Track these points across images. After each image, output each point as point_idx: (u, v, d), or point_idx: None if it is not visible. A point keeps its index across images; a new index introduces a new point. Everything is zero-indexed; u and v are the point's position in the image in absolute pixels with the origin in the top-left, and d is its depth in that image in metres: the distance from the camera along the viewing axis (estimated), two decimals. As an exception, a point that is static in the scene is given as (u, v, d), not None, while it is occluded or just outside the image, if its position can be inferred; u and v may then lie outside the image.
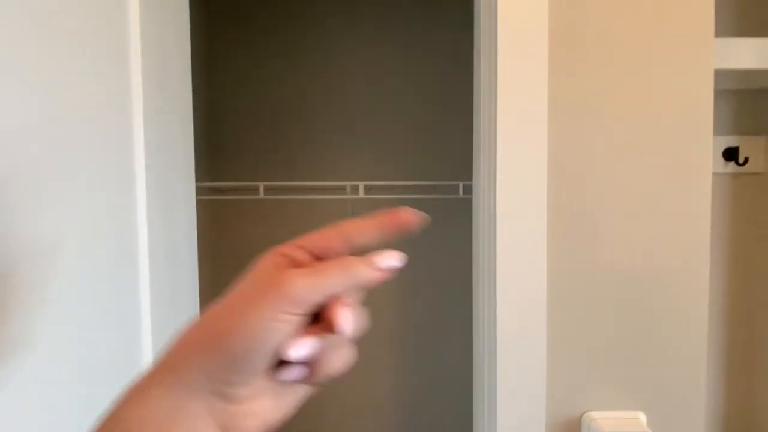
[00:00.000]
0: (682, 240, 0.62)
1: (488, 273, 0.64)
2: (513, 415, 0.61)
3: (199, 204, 0.85)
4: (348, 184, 1.15)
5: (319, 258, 0.21)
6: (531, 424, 0.62)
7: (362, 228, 0.21)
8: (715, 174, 0.93)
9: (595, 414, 0.62)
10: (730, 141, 1.04)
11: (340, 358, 0.20)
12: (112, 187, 0.50)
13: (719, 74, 0.71)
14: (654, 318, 0.62)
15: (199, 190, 1.25)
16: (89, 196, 0.46)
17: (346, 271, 0.19)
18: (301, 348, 0.18)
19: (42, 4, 0.40)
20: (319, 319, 0.19)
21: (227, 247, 1.40)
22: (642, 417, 0.62)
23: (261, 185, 1.17)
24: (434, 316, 1.39)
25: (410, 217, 0.20)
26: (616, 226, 0.62)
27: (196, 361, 0.18)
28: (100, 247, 0.48)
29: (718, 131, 0.93)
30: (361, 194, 1.14)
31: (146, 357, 0.55)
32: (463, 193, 1.12)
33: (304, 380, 0.20)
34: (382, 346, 1.40)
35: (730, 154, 1.04)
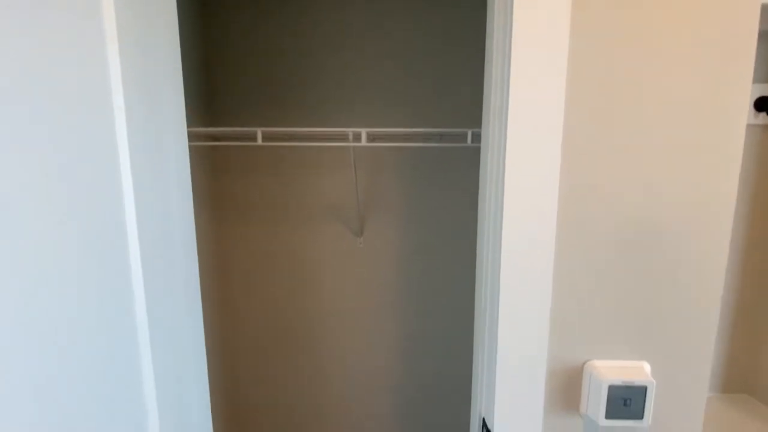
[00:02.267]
0: (709, 189, 0.58)
1: (494, 220, 0.61)
2: (513, 362, 0.61)
3: (193, 151, 0.80)
4: (350, 131, 1.09)
5: None
6: (531, 371, 0.62)
7: None
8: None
9: (597, 363, 0.62)
10: (763, 89, 0.96)
11: None
12: (88, 125, 0.46)
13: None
14: (669, 268, 0.59)
15: (193, 137, 1.20)
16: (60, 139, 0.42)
17: None
18: None
19: None
20: None
21: (224, 196, 1.37)
22: (647, 366, 0.62)
23: (259, 131, 1.11)
24: (439, 265, 1.39)
25: None
26: (638, 170, 0.58)
27: None
28: (68, 201, 0.44)
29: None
30: (364, 142, 1.09)
31: (139, 307, 0.53)
32: (472, 141, 1.06)
33: None
34: (387, 294, 1.41)
35: (762, 104, 0.97)
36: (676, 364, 0.62)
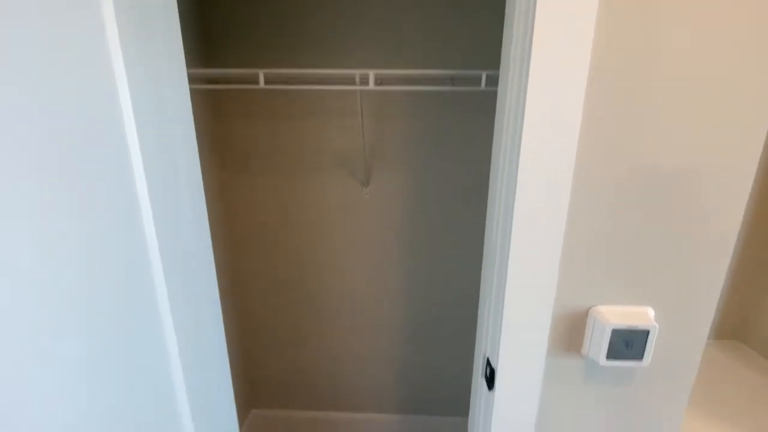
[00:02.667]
0: (739, 134, 0.55)
1: (510, 164, 0.59)
2: (520, 306, 0.62)
3: (192, 93, 0.76)
4: (357, 72, 1.03)
5: None
6: (537, 315, 0.63)
7: None
8: None
9: (602, 308, 0.63)
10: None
11: None
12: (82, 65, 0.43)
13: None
14: (685, 216, 0.58)
15: (189, 79, 1.14)
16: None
17: None
18: None
19: None
20: None
21: (224, 143, 1.34)
22: (650, 312, 0.63)
23: (260, 73, 1.06)
24: (447, 215, 1.39)
25: None
26: (668, 113, 0.54)
27: None
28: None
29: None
30: (371, 85, 1.03)
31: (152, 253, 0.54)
32: (486, 85, 1.01)
33: None
34: (393, 244, 1.43)
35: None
36: (680, 310, 0.63)
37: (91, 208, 0.44)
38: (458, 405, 1.63)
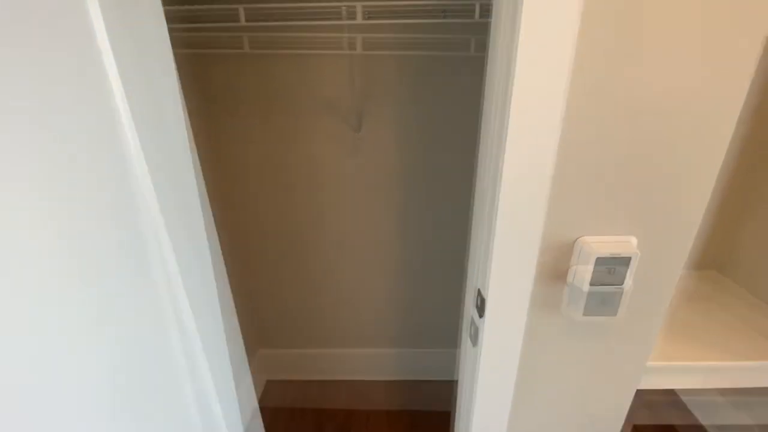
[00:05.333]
0: (731, 54, 0.53)
1: (502, 100, 0.58)
2: (510, 238, 0.65)
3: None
4: (343, 5, 0.96)
5: None
6: (525, 247, 0.66)
7: None
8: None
9: (588, 238, 0.66)
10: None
11: None
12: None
13: None
14: (671, 146, 0.59)
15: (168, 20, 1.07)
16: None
17: None
18: None
19: None
20: None
21: (206, 87, 1.28)
22: (633, 240, 0.66)
23: (240, 9, 0.99)
24: (441, 155, 1.38)
25: None
26: (656, 47, 0.53)
27: None
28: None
29: None
30: (359, 20, 0.97)
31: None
32: (480, 16, 0.95)
33: None
34: (388, 213, 1.44)
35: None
36: (661, 239, 0.66)
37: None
38: (450, 338, 1.75)
